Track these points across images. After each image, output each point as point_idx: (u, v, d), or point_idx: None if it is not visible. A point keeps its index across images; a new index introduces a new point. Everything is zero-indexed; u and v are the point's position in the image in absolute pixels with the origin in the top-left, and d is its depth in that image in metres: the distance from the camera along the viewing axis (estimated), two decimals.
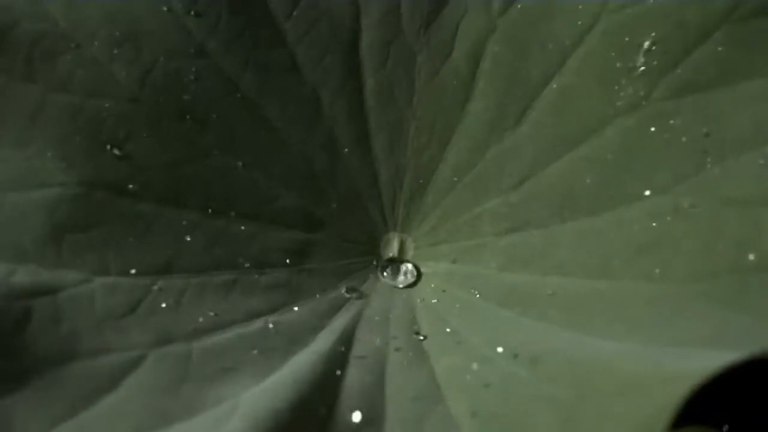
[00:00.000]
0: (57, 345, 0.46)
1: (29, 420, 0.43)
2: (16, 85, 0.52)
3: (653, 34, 0.54)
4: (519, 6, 0.59)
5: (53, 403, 0.44)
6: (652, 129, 0.53)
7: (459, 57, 0.60)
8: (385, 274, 0.61)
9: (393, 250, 0.62)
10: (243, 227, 0.56)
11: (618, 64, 0.55)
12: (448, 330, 0.55)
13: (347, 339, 0.53)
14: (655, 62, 0.53)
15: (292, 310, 0.55)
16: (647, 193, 0.52)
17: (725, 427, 0.50)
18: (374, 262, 0.61)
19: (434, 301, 0.58)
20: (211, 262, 0.54)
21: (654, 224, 0.51)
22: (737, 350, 0.40)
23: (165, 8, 0.56)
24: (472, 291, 0.57)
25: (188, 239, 0.54)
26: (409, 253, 0.62)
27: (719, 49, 0.52)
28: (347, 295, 0.58)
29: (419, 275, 0.60)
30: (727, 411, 0.51)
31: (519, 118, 0.58)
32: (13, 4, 0.53)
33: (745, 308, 0.45)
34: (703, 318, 0.46)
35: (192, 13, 0.57)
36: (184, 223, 0.54)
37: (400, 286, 0.60)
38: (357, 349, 0.53)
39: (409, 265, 0.61)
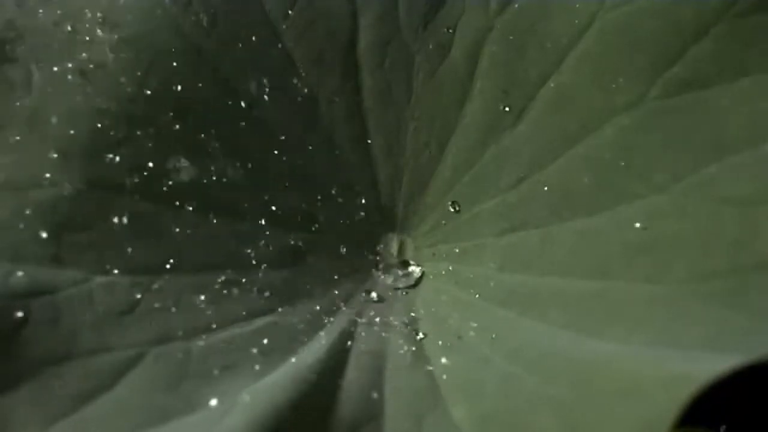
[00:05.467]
0: (56, 344, 0.46)
1: (28, 417, 0.44)
2: (16, 87, 0.52)
3: (650, 32, 0.53)
4: (516, 6, 0.59)
5: (52, 400, 0.44)
6: (650, 128, 0.53)
7: (457, 57, 0.60)
8: (385, 275, 0.61)
9: (393, 251, 0.62)
10: (242, 227, 0.56)
11: (615, 63, 0.55)
12: (447, 330, 0.55)
13: (347, 339, 0.54)
14: (652, 60, 0.53)
15: (292, 310, 0.55)
16: (646, 192, 0.52)
17: (723, 428, 0.50)
18: (375, 262, 0.61)
19: (434, 301, 0.58)
20: (210, 261, 0.54)
21: (653, 224, 0.51)
22: (737, 352, 0.39)
23: (160, 11, 0.56)
24: (472, 291, 0.57)
25: (187, 239, 0.54)
26: (409, 254, 0.62)
27: (716, 46, 0.51)
28: (347, 296, 0.58)
29: (420, 276, 0.60)
30: (725, 411, 0.51)
31: (517, 117, 0.58)
32: (8, 14, 0.54)
33: (745, 308, 0.45)
34: (703, 318, 0.46)
35: (188, 14, 0.57)
36: (183, 222, 0.54)
37: (401, 286, 0.60)
38: (356, 349, 0.53)
39: (411, 266, 0.61)
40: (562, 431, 0.42)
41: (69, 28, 0.55)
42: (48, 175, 0.51)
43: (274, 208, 0.58)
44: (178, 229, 0.54)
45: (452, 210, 0.60)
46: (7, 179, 0.51)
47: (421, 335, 0.55)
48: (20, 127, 0.52)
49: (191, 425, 0.45)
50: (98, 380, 0.46)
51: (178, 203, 0.55)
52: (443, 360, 0.52)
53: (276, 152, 0.59)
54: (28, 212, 0.50)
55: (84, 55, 0.55)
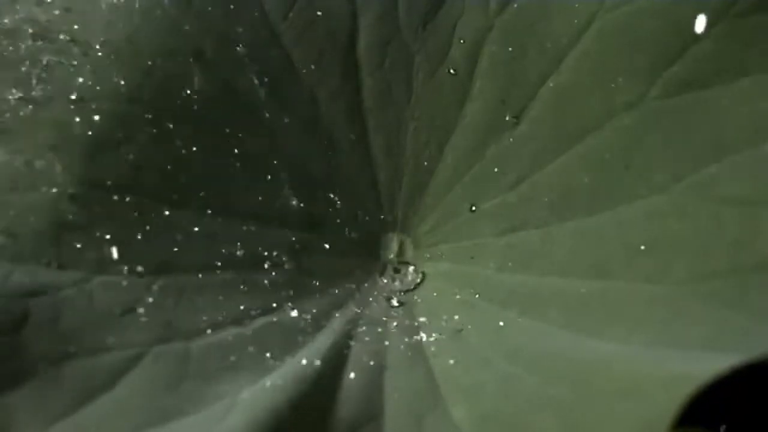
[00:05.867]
0: (56, 344, 0.46)
1: (28, 417, 0.44)
2: (16, 91, 0.53)
3: (650, 32, 0.53)
4: (516, 6, 0.58)
5: (52, 400, 0.44)
6: (650, 127, 0.53)
7: (456, 57, 0.60)
8: (385, 275, 0.61)
9: (392, 251, 0.62)
10: (242, 227, 0.56)
11: (615, 63, 0.55)
12: (447, 330, 0.55)
13: (346, 339, 0.54)
14: (651, 60, 0.53)
15: (292, 309, 0.55)
16: (646, 192, 0.52)
17: (723, 428, 0.50)
18: (375, 262, 0.61)
19: (433, 301, 0.58)
20: (210, 261, 0.54)
21: (653, 224, 0.51)
22: (737, 352, 0.40)
23: (159, 11, 0.56)
24: (472, 291, 0.57)
25: (187, 239, 0.54)
26: (409, 254, 0.62)
27: (716, 46, 0.51)
28: (347, 296, 0.58)
29: (420, 276, 0.60)
30: (725, 411, 0.51)
31: (517, 117, 0.58)
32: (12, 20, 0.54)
33: (745, 308, 0.45)
34: (703, 319, 0.46)
35: (187, 15, 0.57)
36: (183, 223, 0.54)
37: (401, 286, 0.60)
38: (356, 349, 0.53)
39: (410, 266, 0.61)
40: (562, 431, 0.42)
41: (69, 31, 0.55)
42: (48, 176, 0.51)
43: (273, 208, 0.58)
44: (178, 230, 0.54)
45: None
46: (7, 180, 0.51)
47: (420, 335, 0.55)
48: (21, 129, 0.52)
49: (191, 425, 0.45)
50: (98, 380, 0.46)
51: (177, 203, 0.54)
52: (443, 360, 0.52)
53: (275, 152, 0.59)
54: (28, 213, 0.50)
55: (84, 57, 0.55)
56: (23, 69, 0.53)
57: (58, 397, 0.45)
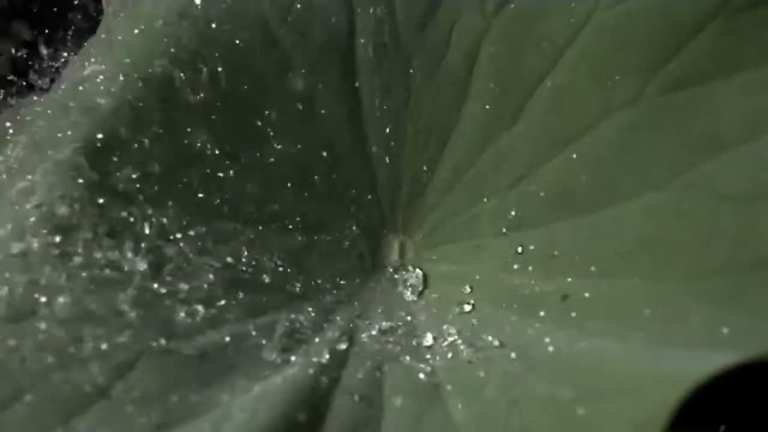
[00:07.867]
0: (52, 351, 0.46)
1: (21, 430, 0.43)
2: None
3: (646, 29, 0.53)
4: (513, 6, 0.58)
5: (44, 412, 0.44)
6: (647, 125, 0.53)
7: (454, 58, 0.60)
8: (385, 276, 0.61)
9: (393, 252, 0.62)
10: (240, 230, 0.56)
11: (612, 61, 0.54)
12: (447, 331, 0.55)
13: (346, 340, 0.54)
14: (648, 57, 0.53)
15: (290, 312, 0.55)
16: (643, 190, 0.52)
17: (722, 428, 0.50)
18: (375, 264, 0.61)
19: (433, 302, 0.58)
20: (207, 264, 0.54)
21: (651, 222, 0.51)
22: (736, 350, 0.39)
23: (160, 20, 0.56)
24: (472, 292, 0.57)
25: (184, 242, 0.54)
26: (409, 256, 0.62)
27: (712, 42, 0.51)
28: (347, 298, 0.58)
29: (421, 277, 0.60)
30: (725, 411, 0.50)
31: (515, 117, 0.58)
32: None
33: (744, 307, 0.45)
34: (702, 317, 0.46)
35: (185, 19, 0.57)
36: (180, 225, 0.54)
37: (401, 287, 0.60)
38: (355, 350, 0.53)
39: (411, 267, 0.61)
40: (561, 431, 0.42)
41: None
42: (48, 179, 0.52)
43: (272, 210, 0.58)
44: (174, 233, 0.54)
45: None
46: (9, 185, 0.51)
47: (420, 336, 0.55)
48: (23, 132, 0.53)
49: None
50: (92, 388, 0.45)
51: (175, 206, 0.55)
52: (443, 360, 0.52)
53: (275, 154, 0.59)
54: (29, 218, 0.50)
55: (86, 61, 0.55)
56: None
57: (51, 407, 0.44)
